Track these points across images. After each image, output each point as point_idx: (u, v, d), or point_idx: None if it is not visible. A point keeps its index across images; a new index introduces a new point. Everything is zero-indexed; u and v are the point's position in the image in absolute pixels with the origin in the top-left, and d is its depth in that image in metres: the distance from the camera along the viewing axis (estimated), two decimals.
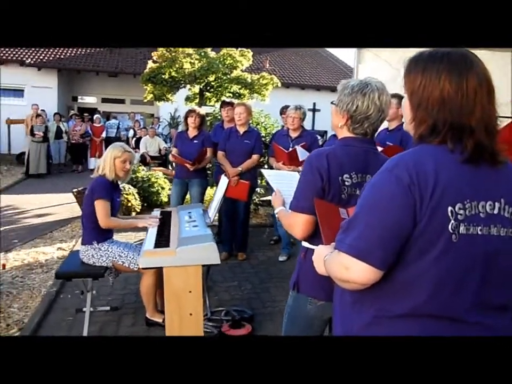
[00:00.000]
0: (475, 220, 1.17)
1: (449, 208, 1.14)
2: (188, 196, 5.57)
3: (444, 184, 1.15)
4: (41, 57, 15.45)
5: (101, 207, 3.37)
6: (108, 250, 3.42)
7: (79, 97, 18.13)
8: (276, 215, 2.06)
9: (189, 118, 5.18)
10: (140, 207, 7.02)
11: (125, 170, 3.51)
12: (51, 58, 15.60)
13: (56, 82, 15.64)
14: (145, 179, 7.54)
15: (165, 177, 8.02)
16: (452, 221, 1.14)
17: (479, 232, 1.18)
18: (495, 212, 1.20)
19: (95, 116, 14.37)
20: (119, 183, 3.65)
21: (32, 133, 12.05)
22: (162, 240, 3.13)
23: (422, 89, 1.24)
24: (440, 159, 1.18)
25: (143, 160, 11.74)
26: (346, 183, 1.83)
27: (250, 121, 7.86)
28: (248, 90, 11.02)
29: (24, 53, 15.30)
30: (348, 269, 1.21)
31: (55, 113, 13.67)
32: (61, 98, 16.12)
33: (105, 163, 3.48)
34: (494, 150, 1.20)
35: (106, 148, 13.92)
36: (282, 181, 2.22)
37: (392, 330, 1.22)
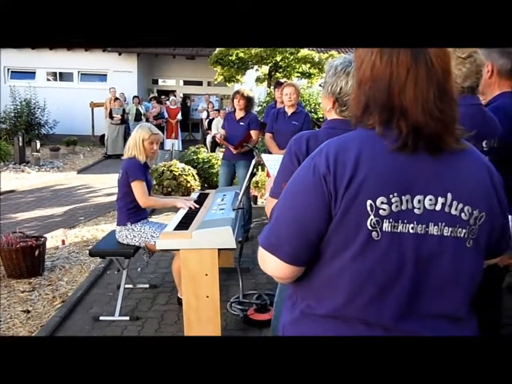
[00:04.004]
0: (406, 216, 1.02)
1: (368, 202, 1.01)
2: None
3: (364, 175, 1.01)
4: None
5: (138, 188, 3.48)
6: (141, 231, 3.52)
7: (160, 80, 18.80)
8: (264, 202, 1.99)
9: (234, 100, 5.16)
10: (199, 188, 7.16)
11: (152, 151, 3.58)
12: None
13: (136, 66, 16.28)
14: (205, 160, 7.67)
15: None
16: (371, 217, 1.01)
17: (411, 231, 1.03)
18: (437, 208, 1.04)
19: (170, 98, 14.80)
20: (148, 164, 3.72)
21: (111, 116, 12.71)
22: (185, 222, 3.16)
23: (359, 66, 1.11)
24: (368, 146, 1.05)
25: (215, 141, 11.97)
26: None
27: (303, 102, 7.72)
28: (317, 70, 10.79)
29: None
30: (264, 262, 1.14)
31: (134, 96, 14.24)
32: (141, 82, 16.79)
33: (133, 145, 3.55)
34: (439, 136, 1.03)
35: (181, 130, 14.51)
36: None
37: (317, 331, 1.13)
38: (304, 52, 10.46)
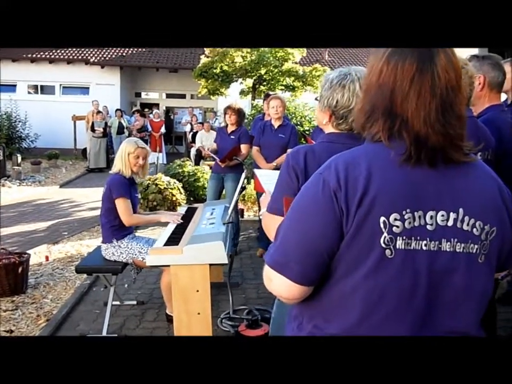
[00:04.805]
0: (419, 233, 1.00)
1: (382, 219, 0.98)
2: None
3: (376, 190, 0.98)
4: (104, 55, 16.05)
5: (122, 206, 3.39)
6: (128, 247, 3.45)
7: (143, 93, 18.72)
8: (260, 217, 1.95)
9: (226, 115, 5.15)
10: (184, 201, 7.10)
11: (138, 165, 3.50)
12: (113, 56, 16.17)
13: (118, 79, 16.20)
14: (191, 174, 7.62)
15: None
16: (385, 234, 0.98)
17: (424, 248, 1.00)
18: (449, 224, 1.02)
19: (154, 111, 14.76)
20: (136, 179, 3.66)
21: (92, 129, 12.59)
22: (175, 237, 3.11)
23: (369, 73, 1.10)
24: (377, 160, 1.02)
25: (199, 154, 11.92)
26: None
27: (289, 114, 7.75)
28: (301, 83, 10.88)
29: (88, 52, 15.98)
30: (271, 281, 1.10)
31: (116, 109, 14.16)
32: (124, 95, 16.70)
33: (119, 159, 3.49)
34: (443, 149, 1.02)
35: (164, 143, 14.42)
36: (274, 182, 2.10)
37: None
38: (288, 65, 10.55)
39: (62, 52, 15.77)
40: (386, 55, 1.05)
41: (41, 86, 16.42)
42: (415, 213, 1.00)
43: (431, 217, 1.01)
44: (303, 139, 6.17)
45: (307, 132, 7.15)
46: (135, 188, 3.68)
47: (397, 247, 0.99)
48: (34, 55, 15.43)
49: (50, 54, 15.64)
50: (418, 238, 1.00)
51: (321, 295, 1.09)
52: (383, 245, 0.99)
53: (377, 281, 1.00)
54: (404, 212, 0.99)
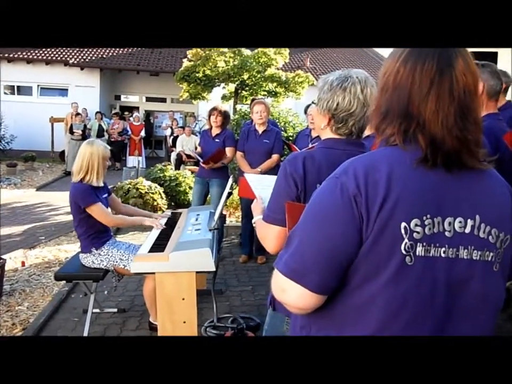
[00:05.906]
0: (438, 239, 0.97)
1: (403, 225, 0.94)
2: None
3: (397, 195, 0.95)
4: (84, 57, 15.80)
5: (97, 211, 3.24)
6: (108, 255, 3.32)
7: (123, 96, 18.48)
8: (254, 225, 1.88)
9: (211, 117, 5.07)
10: (166, 206, 6.98)
11: (105, 168, 3.38)
12: (93, 58, 15.92)
13: (98, 81, 15.94)
14: (172, 178, 7.50)
15: (193, 177, 7.97)
16: (406, 240, 0.95)
17: (443, 255, 0.97)
18: (467, 230, 0.99)
19: (134, 115, 14.58)
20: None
21: (71, 131, 12.33)
22: (160, 243, 3.02)
23: (384, 74, 1.06)
24: (396, 164, 0.99)
25: (179, 159, 11.78)
26: None
27: (277, 120, 7.71)
28: (283, 89, 10.85)
29: (67, 53, 15.68)
30: (284, 291, 1.04)
31: (96, 112, 13.91)
32: (103, 97, 16.44)
33: (92, 166, 3.26)
34: (458, 154, 0.99)
35: (145, 147, 14.13)
36: (266, 187, 2.03)
37: None
38: (271, 70, 10.52)
39: (41, 52, 15.46)
40: (404, 55, 1.02)
41: (18, 87, 16.03)
42: (435, 219, 0.97)
43: (449, 223, 0.98)
44: (285, 145, 6.11)
45: (291, 138, 7.11)
46: (104, 188, 3.47)
47: (417, 254, 0.96)
48: (11, 55, 15.08)
49: (28, 54, 15.30)
50: (437, 245, 0.97)
51: (334, 304, 1.04)
52: (404, 252, 0.95)
53: (396, 289, 0.96)
54: (424, 218, 0.96)
